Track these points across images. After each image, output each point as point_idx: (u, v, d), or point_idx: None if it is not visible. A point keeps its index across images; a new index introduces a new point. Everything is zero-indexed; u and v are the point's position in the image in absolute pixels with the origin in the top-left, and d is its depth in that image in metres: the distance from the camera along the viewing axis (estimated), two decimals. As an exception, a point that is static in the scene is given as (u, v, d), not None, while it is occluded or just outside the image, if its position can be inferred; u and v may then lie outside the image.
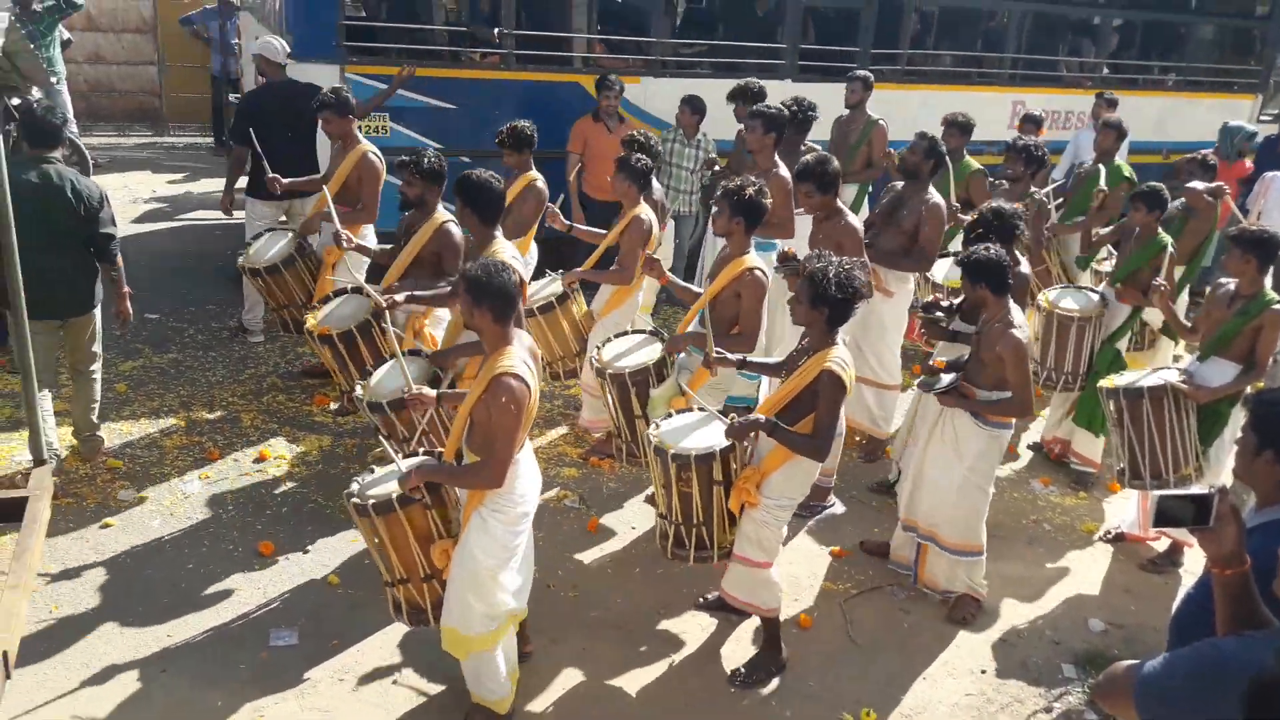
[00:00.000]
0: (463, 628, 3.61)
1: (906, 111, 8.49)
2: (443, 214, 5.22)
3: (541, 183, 6.02)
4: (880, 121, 7.60)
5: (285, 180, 6.12)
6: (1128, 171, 7.24)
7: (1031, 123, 7.86)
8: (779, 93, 7.60)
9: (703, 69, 8.36)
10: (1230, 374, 4.83)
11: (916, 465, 4.67)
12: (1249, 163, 8.42)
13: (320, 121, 5.99)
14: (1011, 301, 4.41)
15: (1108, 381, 5.04)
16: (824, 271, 3.78)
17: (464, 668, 3.77)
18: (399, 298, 4.90)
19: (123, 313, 5.27)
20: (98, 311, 5.23)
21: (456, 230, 5.13)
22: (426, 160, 5.11)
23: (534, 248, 6.40)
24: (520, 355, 3.50)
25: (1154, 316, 5.76)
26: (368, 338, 5.09)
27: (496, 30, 7.57)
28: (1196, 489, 2.47)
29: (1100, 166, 7.06)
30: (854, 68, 8.07)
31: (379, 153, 6.03)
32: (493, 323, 3.48)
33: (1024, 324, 4.37)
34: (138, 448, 5.54)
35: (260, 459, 5.52)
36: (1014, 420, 4.60)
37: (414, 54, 7.33)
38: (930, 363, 4.71)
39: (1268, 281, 4.81)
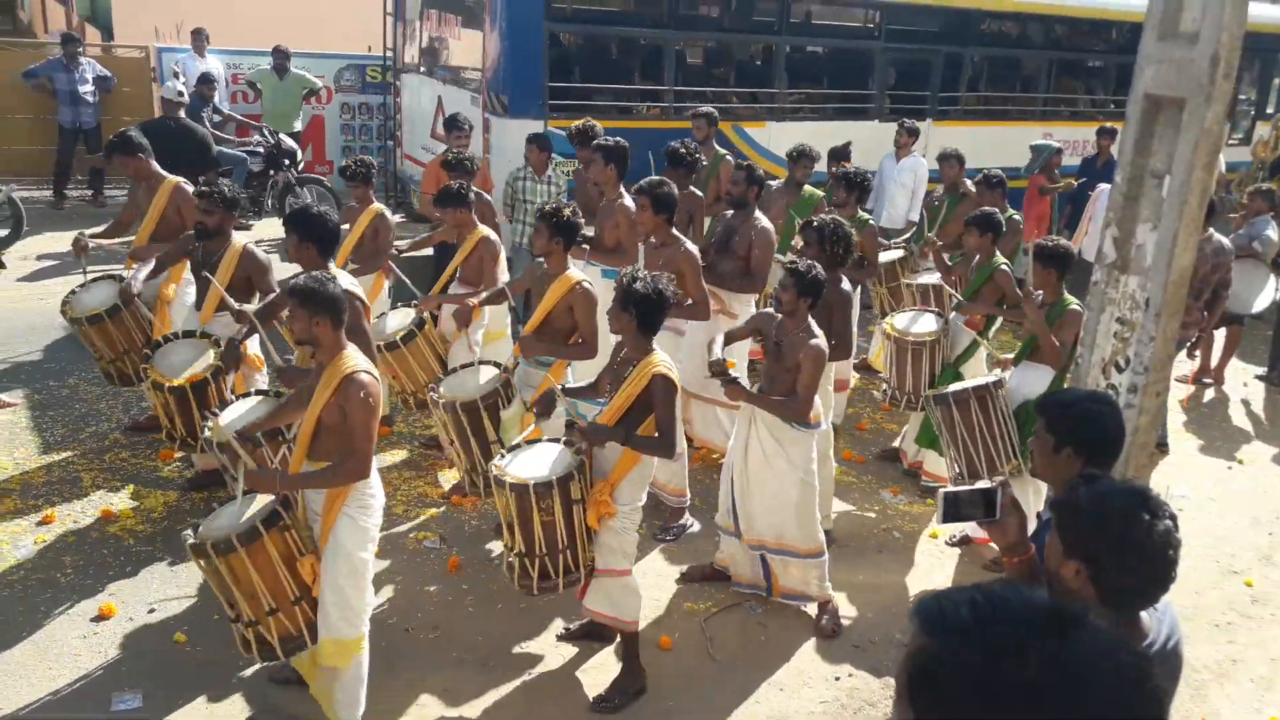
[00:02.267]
0: (346, 630, 3.68)
1: (963, 143, 9.08)
2: (240, 238, 5.33)
3: (388, 213, 6.21)
4: (727, 156, 7.87)
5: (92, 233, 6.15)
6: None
7: (836, 157, 8.20)
8: (869, 130, 9.44)
9: (814, 113, 9.19)
10: (1044, 378, 5.17)
11: (741, 487, 4.77)
12: (1046, 178, 9.44)
13: (122, 166, 6.08)
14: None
15: (930, 391, 5.32)
16: (632, 276, 4.05)
17: (340, 687, 3.75)
18: (247, 343, 4.84)
19: None
20: None
21: (259, 250, 5.32)
22: (228, 189, 5.22)
23: (386, 286, 6.39)
24: (360, 356, 3.64)
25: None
26: (213, 381, 5.01)
27: None
28: (982, 484, 2.66)
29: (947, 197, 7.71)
30: (926, 109, 9.55)
31: (188, 182, 6.16)
32: (332, 330, 3.60)
33: (821, 335, 4.59)
34: (-35, 515, 5.25)
35: (103, 518, 5.30)
36: (822, 420, 4.79)
37: (599, 109, 8.57)
38: (721, 360, 4.74)
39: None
